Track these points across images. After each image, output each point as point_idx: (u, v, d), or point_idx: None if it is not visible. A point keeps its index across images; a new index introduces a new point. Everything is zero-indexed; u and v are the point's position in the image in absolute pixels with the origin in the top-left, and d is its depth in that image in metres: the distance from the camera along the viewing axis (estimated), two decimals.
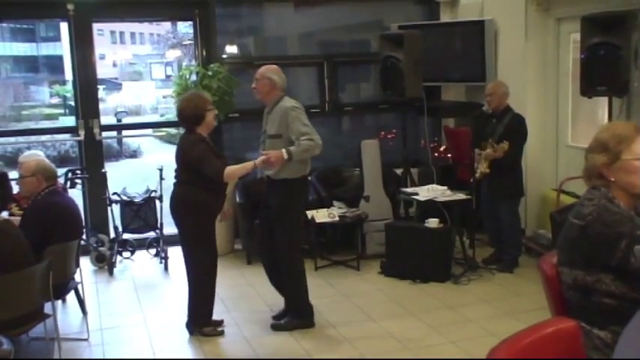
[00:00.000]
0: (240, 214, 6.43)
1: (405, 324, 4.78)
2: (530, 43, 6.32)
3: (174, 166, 4.67)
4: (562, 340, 2.04)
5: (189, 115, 4.54)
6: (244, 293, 5.47)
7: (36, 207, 4.42)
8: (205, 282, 4.64)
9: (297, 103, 4.64)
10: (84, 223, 5.29)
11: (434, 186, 6.07)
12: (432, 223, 5.64)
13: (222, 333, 4.69)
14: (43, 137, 9.95)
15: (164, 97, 18.81)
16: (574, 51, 5.99)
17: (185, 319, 4.73)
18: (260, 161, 4.41)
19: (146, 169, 11.11)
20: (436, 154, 7.01)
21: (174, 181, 4.65)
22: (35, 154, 5.34)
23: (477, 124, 5.99)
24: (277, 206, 4.62)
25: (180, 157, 4.57)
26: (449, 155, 7.02)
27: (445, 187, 5.93)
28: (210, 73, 6.42)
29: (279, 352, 4.40)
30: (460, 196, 5.78)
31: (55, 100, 20.71)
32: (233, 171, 4.49)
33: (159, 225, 6.39)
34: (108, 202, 6.33)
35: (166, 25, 21.66)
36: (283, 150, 4.41)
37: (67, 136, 7.91)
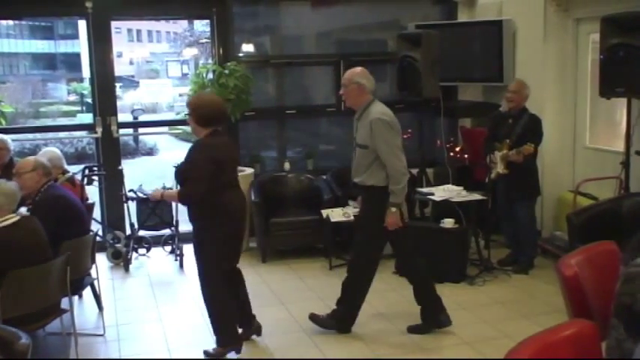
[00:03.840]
0: (256, 213, 6.44)
1: None
2: (549, 43, 6.28)
3: None
4: (580, 343, 2.02)
5: (206, 115, 4.30)
6: (259, 292, 5.47)
7: (44, 202, 4.39)
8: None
9: (383, 110, 4.39)
10: (94, 217, 5.33)
11: (449, 186, 6.05)
12: (448, 223, 5.62)
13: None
14: (61, 134, 10.07)
15: (180, 95, 18.90)
16: (593, 52, 5.94)
17: (199, 314, 4.75)
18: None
19: (162, 166, 11.18)
20: (452, 154, 6.99)
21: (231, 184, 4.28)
22: (51, 151, 5.38)
23: (492, 124, 5.96)
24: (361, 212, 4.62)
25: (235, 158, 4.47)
26: (465, 155, 6.99)
27: (461, 188, 5.90)
28: (226, 71, 6.44)
29: (292, 351, 4.40)
30: (476, 196, 5.75)
31: (73, 98, 20.90)
32: None
33: (174, 222, 6.42)
34: (124, 199, 6.38)
35: (183, 24, 21.77)
36: (391, 208, 4.31)
37: (84, 133, 7.96)
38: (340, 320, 4.64)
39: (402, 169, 4.34)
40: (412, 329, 4.62)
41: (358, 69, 4.50)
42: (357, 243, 4.62)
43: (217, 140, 4.19)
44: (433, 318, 4.61)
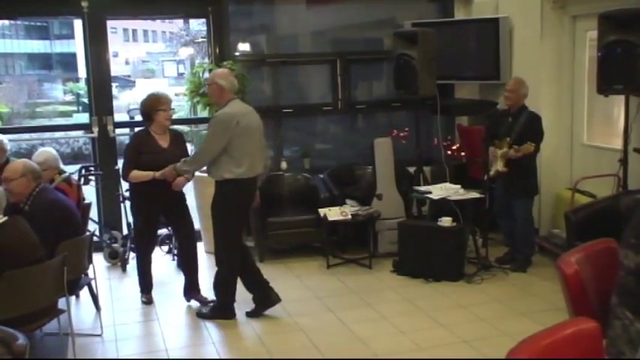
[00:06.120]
0: (252, 212, 6.41)
1: (418, 323, 4.76)
2: (546, 40, 6.27)
3: None
4: (582, 341, 2.01)
5: (141, 112, 5.09)
6: None
7: (40, 207, 4.33)
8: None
9: (231, 110, 4.65)
10: (91, 217, 5.33)
11: (447, 184, 6.04)
12: (445, 221, 5.61)
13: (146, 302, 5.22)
14: (57, 134, 10.01)
15: (176, 94, 18.82)
16: (590, 49, 5.94)
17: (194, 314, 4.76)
18: (159, 174, 4.84)
19: None
20: (449, 153, 6.98)
21: None
22: (46, 152, 5.33)
23: (490, 123, 5.95)
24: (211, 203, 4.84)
25: None
26: (462, 154, 6.99)
27: (458, 186, 5.90)
28: None
29: (291, 350, 4.39)
30: (473, 194, 5.74)
31: (69, 98, 20.80)
32: (134, 176, 4.93)
33: None
34: (121, 199, 6.35)
35: (179, 23, 21.67)
36: (173, 166, 4.80)
37: (80, 133, 7.92)
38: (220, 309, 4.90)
39: (199, 163, 4.79)
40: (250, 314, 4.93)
41: (222, 70, 4.91)
42: (215, 236, 4.82)
43: None
44: (261, 302, 4.90)
